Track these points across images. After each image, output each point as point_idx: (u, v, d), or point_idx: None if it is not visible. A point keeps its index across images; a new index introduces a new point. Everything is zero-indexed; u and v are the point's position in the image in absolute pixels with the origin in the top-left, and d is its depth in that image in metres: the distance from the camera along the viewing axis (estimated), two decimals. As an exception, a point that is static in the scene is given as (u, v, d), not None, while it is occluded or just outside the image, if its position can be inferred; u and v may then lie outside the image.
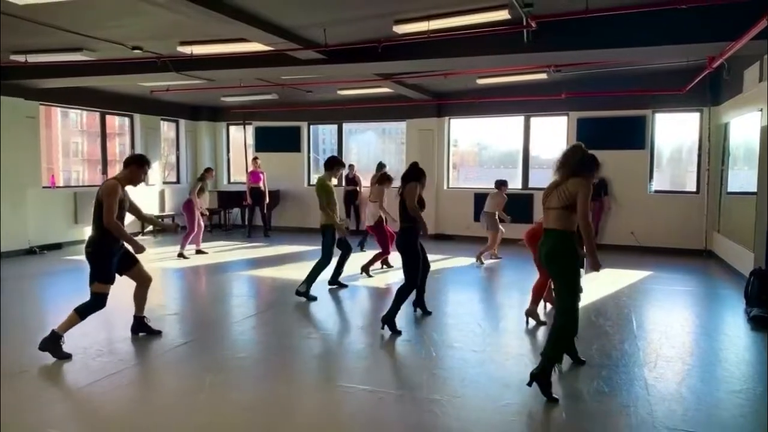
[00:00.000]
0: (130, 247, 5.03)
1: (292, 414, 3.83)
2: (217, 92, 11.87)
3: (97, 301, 4.79)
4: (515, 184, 11.75)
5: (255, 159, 13.02)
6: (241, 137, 14.45)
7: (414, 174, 5.69)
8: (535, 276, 5.94)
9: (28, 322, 6.05)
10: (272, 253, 10.66)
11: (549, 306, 6.22)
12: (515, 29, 6.56)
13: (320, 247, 7.04)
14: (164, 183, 13.74)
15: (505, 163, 13.36)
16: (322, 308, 6.67)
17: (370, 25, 6.90)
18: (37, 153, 10.73)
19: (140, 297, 5.30)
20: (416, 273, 5.56)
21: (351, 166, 12.69)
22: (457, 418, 3.66)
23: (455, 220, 12.42)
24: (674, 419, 3.67)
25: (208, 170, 10.76)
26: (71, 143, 31.39)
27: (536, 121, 12.04)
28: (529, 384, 3.96)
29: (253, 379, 4.50)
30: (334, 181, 7.27)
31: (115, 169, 15.40)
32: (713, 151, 10.16)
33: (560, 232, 3.99)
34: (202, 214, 10.32)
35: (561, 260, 4.01)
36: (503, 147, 13.73)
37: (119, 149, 19.05)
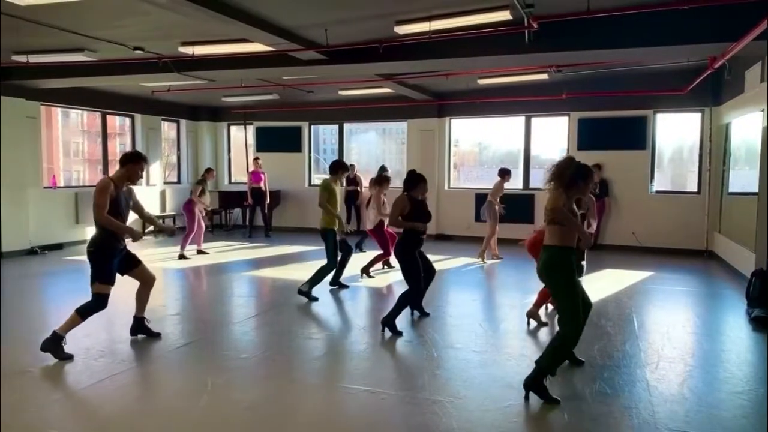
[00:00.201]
0: (129, 240, 4.96)
1: (294, 414, 3.83)
2: (218, 92, 11.87)
3: (98, 302, 4.78)
4: (516, 184, 11.75)
5: (256, 159, 13.02)
6: (242, 137, 14.46)
7: (408, 182, 5.64)
8: (536, 277, 5.93)
9: (30, 322, 6.05)
10: (273, 253, 10.67)
11: (551, 306, 6.22)
12: (516, 30, 6.56)
13: (322, 249, 7.03)
14: (165, 183, 13.74)
15: (505, 164, 13.24)
16: (324, 309, 6.67)
17: (371, 25, 6.90)
18: (38, 153, 10.74)
19: (142, 297, 5.29)
20: (417, 279, 5.56)
21: (352, 166, 12.67)
22: (459, 419, 3.66)
23: (456, 220, 12.42)
24: (676, 420, 3.67)
25: (208, 171, 10.78)
26: (72, 143, 31.37)
27: (537, 122, 12.05)
28: (526, 397, 3.94)
29: (255, 380, 4.50)
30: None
31: (116, 170, 15.43)
32: (714, 152, 10.16)
33: (552, 248, 4.00)
34: (207, 213, 10.31)
35: (554, 275, 4.02)
36: (504, 147, 13.74)
37: (120, 149, 19.07)
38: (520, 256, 9.11)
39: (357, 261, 8.48)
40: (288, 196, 13.90)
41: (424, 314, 6.14)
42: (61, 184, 12.82)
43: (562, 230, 3.94)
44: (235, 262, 9.84)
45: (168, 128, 14.15)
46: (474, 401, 3.97)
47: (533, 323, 5.83)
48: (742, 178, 8.89)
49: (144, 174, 5.12)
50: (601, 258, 9.70)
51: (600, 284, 7.62)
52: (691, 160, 11.14)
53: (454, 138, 13.02)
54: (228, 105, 13.72)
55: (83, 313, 4.78)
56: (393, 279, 8.10)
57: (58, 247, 10.73)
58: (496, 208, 9.48)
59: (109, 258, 4.83)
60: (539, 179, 11.67)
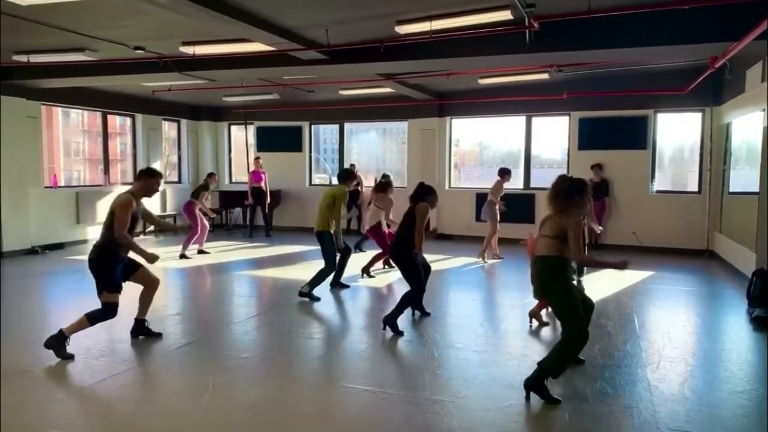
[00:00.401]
0: (142, 258, 4.99)
1: (295, 414, 3.83)
2: (218, 92, 11.88)
3: (108, 311, 4.81)
4: (517, 184, 11.75)
5: (257, 159, 13.03)
6: (242, 137, 14.45)
7: (428, 193, 5.86)
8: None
9: (30, 322, 6.05)
10: (274, 253, 10.67)
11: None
12: (517, 29, 6.56)
13: (321, 250, 7.03)
14: (166, 183, 13.74)
15: (506, 163, 13.25)
16: (325, 309, 6.67)
17: (372, 25, 6.90)
18: (39, 153, 10.74)
19: (145, 300, 5.28)
20: (418, 278, 5.65)
21: (352, 166, 12.67)
22: (460, 419, 3.66)
23: (456, 219, 12.41)
24: (677, 420, 3.67)
25: (210, 176, 10.77)
26: (72, 143, 31.37)
27: (538, 121, 12.04)
28: (527, 397, 3.94)
29: (256, 379, 4.50)
30: None
31: (116, 169, 15.45)
32: (715, 151, 10.15)
33: (548, 258, 4.02)
34: (207, 215, 10.32)
35: (555, 284, 4.03)
36: (505, 147, 13.75)
37: (120, 149, 19.09)
38: (520, 256, 9.09)
39: (357, 261, 8.50)
40: (288, 195, 13.91)
41: (425, 314, 6.15)
42: (62, 184, 12.85)
43: (563, 244, 3.97)
44: (235, 261, 9.84)
45: (168, 128, 14.14)
46: (475, 401, 3.97)
47: (535, 323, 5.83)
48: (743, 178, 8.89)
49: (158, 188, 5.15)
50: (601, 258, 9.65)
51: (600, 284, 7.62)
52: (691, 160, 11.14)
53: (454, 138, 13.02)
54: (229, 105, 13.72)
55: (92, 319, 4.81)
56: (393, 279, 8.10)
57: (59, 246, 10.74)
58: (497, 208, 9.48)
59: (112, 266, 4.85)
60: (540, 179, 11.69)
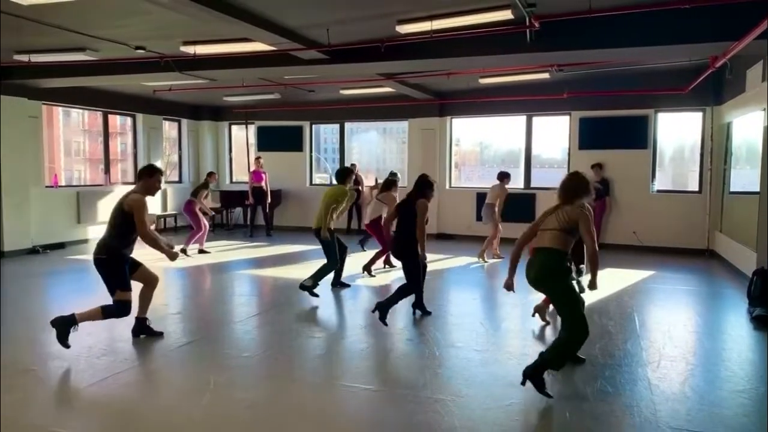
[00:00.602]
0: (164, 255, 5.05)
1: (296, 413, 3.84)
2: (219, 92, 11.88)
3: (121, 309, 4.85)
4: (517, 183, 11.75)
5: (257, 158, 13.03)
6: (243, 137, 14.46)
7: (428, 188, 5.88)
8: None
9: (31, 321, 6.05)
10: (274, 252, 10.68)
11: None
12: (518, 29, 6.56)
13: (321, 249, 7.04)
14: (166, 182, 13.74)
15: (507, 163, 13.35)
16: (325, 308, 6.68)
17: (373, 25, 6.90)
18: (40, 152, 10.74)
19: (146, 297, 5.29)
20: (418, 281, 5.74)
21: (353, 165, 12.67)
22: (461, 418, 3.67)
23: (457, 219, 12.42)
24: (678, 419, 3.68)
25: (210, 174, 10.78)
26: (73, 142, 31.39)
27: (538, 121, 12.04)
28: (523, 383, 3.96)
29: (257, 378, 4.51)
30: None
31: (117, 169, 15.45)
32: (715, 151, 10.15)
33: (554, 251, 4.03)
34: (206, 214, 10.34)
35: (551, 280, 4.06)
36: (505, 146, 13.75)
37: (121, 148, 19.08)
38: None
39: (358, 259, 8.50)
40: (289, 195, 13.91)
41: (426, 313, 6.15)
42: (63, 184, 12.85)
43: (568, 238, 3.98)
44: (236, 261, 9.85)
45: (169, 127, 14.15)
46: (476, 400, 3.97)
47: (538, 318, 5.80)
48: (744, 178, 8.90)
49: (159, 186, 5.17)
50: (602, 257, 9.54)
51: (601, 283, 7.60)
52: (692, 160, 11.14)
53: (455, 137, 13.02)
54: (229, 104, 13.73)
55: (106, 313, 4.86)
56: (393, 278, 8.11)
57: (60, 246, 10.74)
58: (496, 210, 9.44)
59: (121, 264, 4.90)
60: (540, 179, 11.69)
